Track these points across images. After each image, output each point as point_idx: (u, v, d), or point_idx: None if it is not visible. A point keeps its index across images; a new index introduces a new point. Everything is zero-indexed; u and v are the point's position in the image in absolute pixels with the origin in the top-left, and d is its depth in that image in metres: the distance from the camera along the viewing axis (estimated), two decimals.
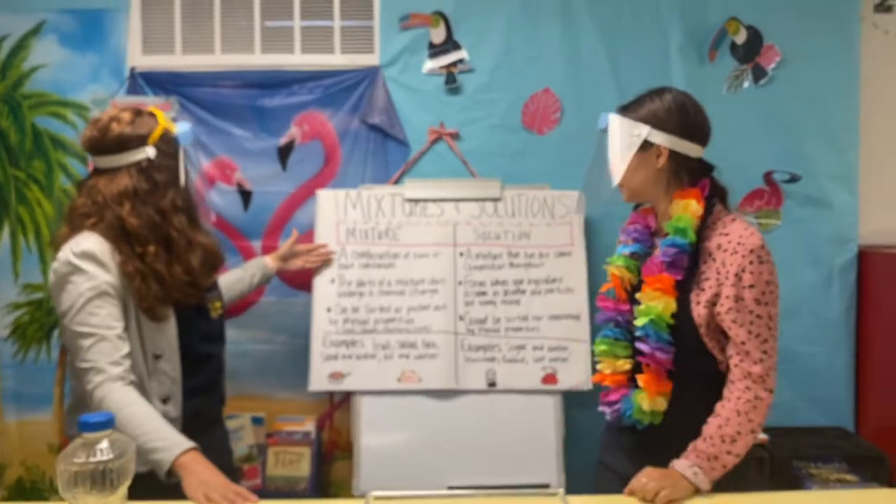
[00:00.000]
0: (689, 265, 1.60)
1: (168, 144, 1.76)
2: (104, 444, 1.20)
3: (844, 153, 2.84)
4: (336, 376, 2.59)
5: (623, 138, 1.65)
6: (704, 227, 1.61)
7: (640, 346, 1.62)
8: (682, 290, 1.60)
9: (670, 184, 1.66)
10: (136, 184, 1.71)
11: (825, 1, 2.83)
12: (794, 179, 2.82)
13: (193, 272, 1.75)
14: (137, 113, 1.78)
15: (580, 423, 2.74)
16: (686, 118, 1.64)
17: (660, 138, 1.63)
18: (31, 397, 2.90)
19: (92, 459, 1.18)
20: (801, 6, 2.82)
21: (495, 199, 2.72)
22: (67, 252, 1.66)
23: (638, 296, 1.65)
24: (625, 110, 1.70)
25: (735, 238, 1.56)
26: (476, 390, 2.59)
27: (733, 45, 2.83)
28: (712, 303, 1.56)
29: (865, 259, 2.84)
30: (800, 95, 2.83)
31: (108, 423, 1.22)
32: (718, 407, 1.54)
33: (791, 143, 2.83)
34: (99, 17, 2.87)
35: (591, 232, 2.76)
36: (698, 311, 1.58)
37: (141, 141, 1.73)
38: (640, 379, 1.64)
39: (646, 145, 1.64)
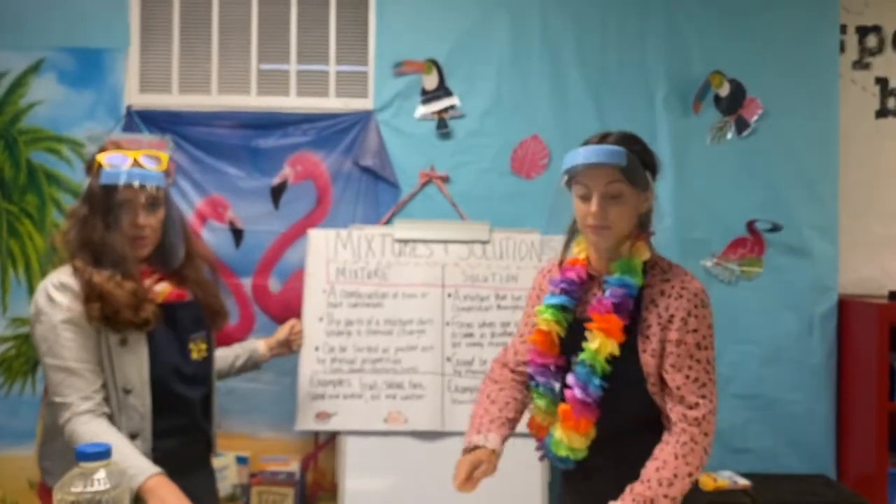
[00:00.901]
0: (632, 310, 1.56)
1: (96, 179, 1.74)
2: (101, 475, 1.21)
3: (825, 203, 2.91)
4: (322, 416, 2.59)
5: (638, 176, 1.53)
6: (645, 272, 1.58)
7: (569, 377, 1.58)
8: (628, 336, 1.55)
9: (639, 230, 1.60)
10: (77, 207, 1.76)
11: (806, 57, 2.93)
12: (775, 229, 2.89)
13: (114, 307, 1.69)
14: (116, 146, 1.80)
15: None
16: (657, 163, 1.61)
17: (650, 180, 1.58)
18: (13, 432, 2.88)
19: (89, 489, 1.19)
20: (783, 61, 2.93)
21: (484, 242, 2.76)
22: (47, 283, 1.71)
23: (587, 334, 1.57)
24: (629, 147, 1.54)
25: (678, 284, 1.54)
26: (462, 432, 2.57)
27: (717, 98, 2.92)
28: (659, 353, 1.53)
29: (845, 308, 2.89)
30: (781, 147, 2.91)
31: (105, 454, 1.24)
32: (657, 450, 1.52)
33: (773, 193, 2.91)
34: (97, 55, 2.93)
35: None
36: (646, 360, 1.54)
37: (88, 170, 1.78)
38: (560, 410, 1.59)
39: (644, 186, 1.56)
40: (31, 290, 2.91)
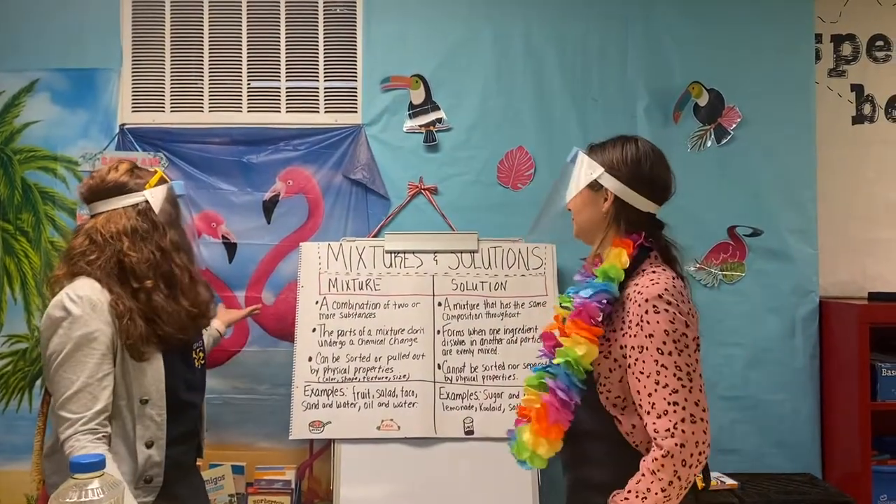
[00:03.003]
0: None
1: (165, 191, 1.86)
2: (95, 485, 1.25)
3: (804, 208, 2.98)
4: (316, 425, 2.64)
5: (581, 173, 1.68)
6: (628, 277, 1.58)
7: (548, 381, 1.59)
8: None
9: (610, 229, 1.65)
10: (136, 223, 1.79)
11: (783, 66, 3.01)
12: (756, 233, 2.96)
13: (201, 304, 1.84)
14: (135, 165, 1.89)
15: (556, 471, 2.79)
16: (639, 171, 1.63)
17: (609, 183, 1.63)
18: (10, 447, 2.91)
19: (83, 500, 1.23)
20: (761, 71, 3.00)
21: (472, 252, 2.82)
22: (63, 296, 1.71)
23: (560, 338, 1.61)
24: (591, 150, 1.72)
25: (639, 289, 1.53)
26: (454, 438, 2.64)
27: (696, 107, 2.99)
28: (614, 356, 1.55)
29: (826, 309, 2.96)
30: (760, 154, 2.98)
31: (100, 465, 1.27)
32: (641, 461, 1.49)
33: (753, 199, 2.97)
34: (90, 75, 2.99)
35: (565, 282, 2.87)
36: (598, 361, 1.56)
37: (139, 186, 1.83)
38: (535, 412, 1.60)
39: (596, 186, 1.65)
40: (27, 307, 2.95)
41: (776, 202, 2.97)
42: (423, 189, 2.97)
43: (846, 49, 3.16)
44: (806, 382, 2.94)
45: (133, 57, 3.00)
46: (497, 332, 2.74)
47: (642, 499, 1.44)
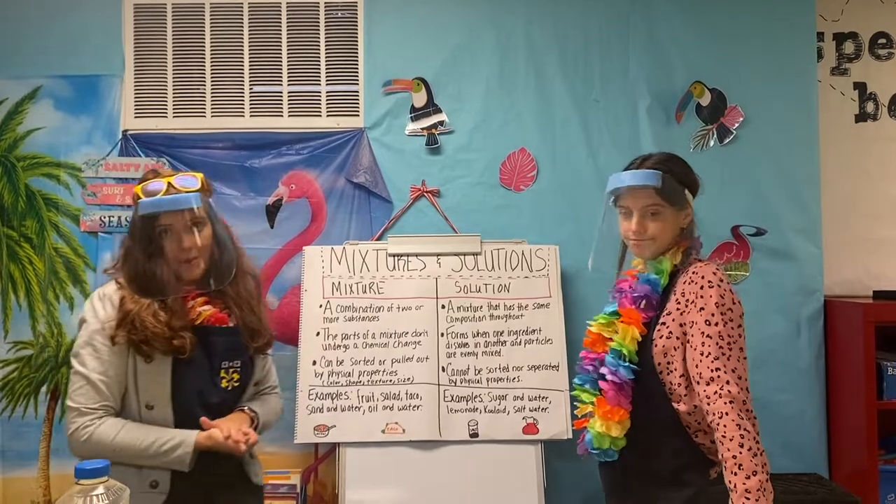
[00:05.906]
0: (658, 306, 1.70)
1: (136, 211, 1.75)
2: (100, 491, 1.25)
3: (807, 207, 2.97)
4: (321, 429, 2.63)
5: (673, 195, 1.70)
6: (677, 272, 1.71)
7: (602, 369, 1.71)
8: (649, 331, 1.68)
9: (681, 240, 1.75)
10: (124, 240, 1.84)
11: (784, 65, 3.00)
12: (760, 233, 2.95)
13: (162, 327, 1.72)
14: (156, 174, 1.82)
15: (560, 472, 2.79)
16: (697, 181, 1.78)
17: (689, 197, 1.74)
18: (16, 454, 2.92)
19: None
20: (763, 70, 2.99)
21: (475, 254, 2.82)
22: (96, 292, 1.81)
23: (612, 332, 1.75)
24: (667, 169, 1.71)
25: (693, 271, 1.66)
26: (458, 441, 2.64)
27: (698, 107, 2.99)
28: (676, 336, 1.63)
29: (831, 309, 2.94)
30: (763, 153, 2.97)
31: (104, 470, 1.27)
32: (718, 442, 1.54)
33: (756, 198, 2.96)
34: (93, 82, 3.00)
35: (568, 284, 2.87)
36: (656, 343, 1.65)
37: (133, 201, 1.81)
38: (596, 401, 1.71)
39: (681, 203, 1.72)
40: (31, 314, 2.95)
41: (780, 201, 2.96)
42: (426, 192, 2.97)
43: (848, 47, 3.15)
44: (811, 382, 2.93)
45: (135, 63, 3.00)
46: (501, 334, 2.74)
47: (739, 466, 1.48)
